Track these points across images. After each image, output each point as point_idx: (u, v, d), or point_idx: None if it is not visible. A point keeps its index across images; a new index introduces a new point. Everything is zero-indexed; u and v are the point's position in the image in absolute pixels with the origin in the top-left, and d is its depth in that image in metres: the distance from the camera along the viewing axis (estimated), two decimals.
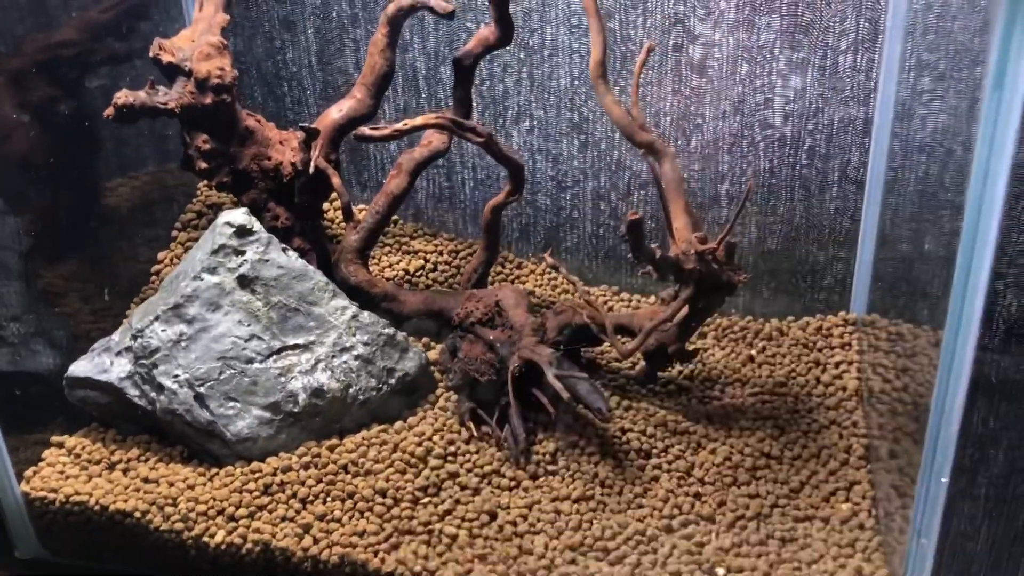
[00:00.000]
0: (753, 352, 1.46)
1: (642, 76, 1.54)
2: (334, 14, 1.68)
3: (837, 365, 1.42)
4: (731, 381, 1.40)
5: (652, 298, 1.62)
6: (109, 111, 1.31)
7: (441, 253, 1.64)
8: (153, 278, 1.57)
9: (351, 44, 1.69)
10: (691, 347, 1.33)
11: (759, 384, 1.39)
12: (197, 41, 1.34)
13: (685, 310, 1.26)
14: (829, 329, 1.49)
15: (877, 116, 1.43)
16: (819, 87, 1.49)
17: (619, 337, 1.33)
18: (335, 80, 1.73)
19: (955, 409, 0.89)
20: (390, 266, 1.60)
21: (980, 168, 0.80)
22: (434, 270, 1.62)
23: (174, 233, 1.63)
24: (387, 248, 1.65)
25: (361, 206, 1.70)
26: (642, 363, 1.38)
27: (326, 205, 1.57)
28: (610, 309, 1.58)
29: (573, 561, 1.12)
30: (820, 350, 1.46)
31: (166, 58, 1.33)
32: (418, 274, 1.61)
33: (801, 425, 1.32)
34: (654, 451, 1.27)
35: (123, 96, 1.30)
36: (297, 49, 1.73)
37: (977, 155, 0.79)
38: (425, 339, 1.46)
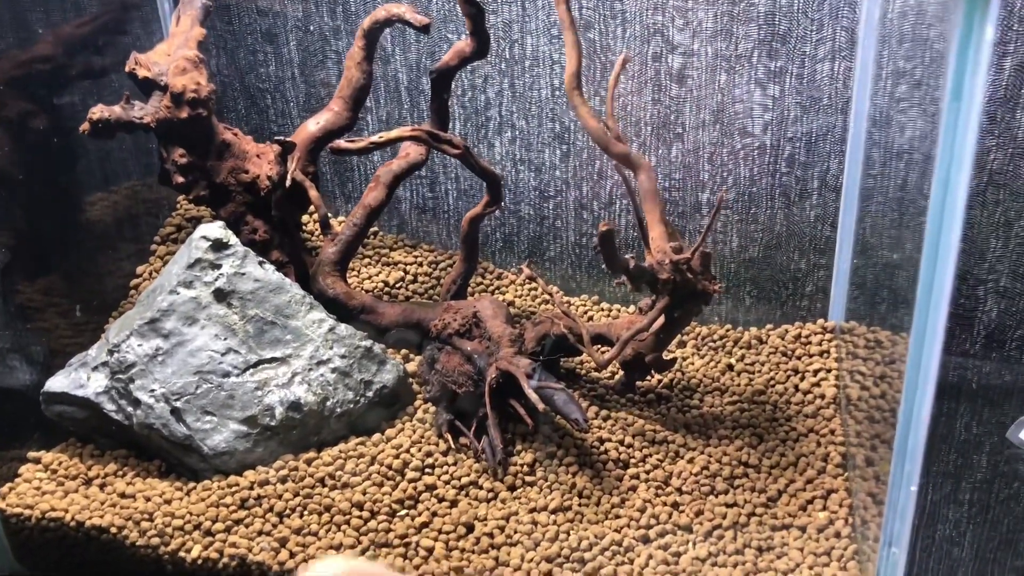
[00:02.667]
0: (732, 360, 1.46)
1: (622, 86, 1.55)
2: (316, 26, 1.68)
3: (816, 373, 1.43)
4: (710, 390, 1.41)
5: (632, 308, 1.62)
6: (85, 126, 1.31)
7: (421, 264, 1.64)
8: (132, 292, 1.56)
9: (333, 56, 1.70)
10: (669, 356, 1.33)
11: (738, 392, 1.40)
12: (173, 55, 1.35)
13: (662, 319, 1.26)
14: (808, 337, 1.50)
15: (852, 124, 1.44)
16: (797, 95, 1.50)
17: (597, 347, 1.33)
18: (318, 92, 1.73)
19: (923, 417, 0.89)
20: (369, 278, 1.60)
21: (941, 176, 0.80)
22: (414, 281, 1.62)
23: (153, 247, 1.63)
24: (367, 260, 1.65)
25: (342, 218, 1.70)
26: (621, 373, 1.38)
27: (305, 218, 1.57)
28: (590, 319, 1.58)
29: (549, 573, 1.12)
30: (799, 358, 1.46)
31: (142, 72, 1.33)
32: (398, 286, 1.61)
33: (779, 433, 1.32)
34: (632, 461, 1.27)
35: (98, 111, 1.30)
36: (280, 61, 1.73)
37: (938, 164, 0.80)
38: (404, 351, 1.46)
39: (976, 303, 1.54)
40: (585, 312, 1.60)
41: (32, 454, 1.31)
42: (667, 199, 1.60)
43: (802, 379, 1.42)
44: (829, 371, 1.42)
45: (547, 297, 1.62)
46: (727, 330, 1.53)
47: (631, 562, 1.13)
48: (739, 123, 1.54)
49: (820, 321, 1.53)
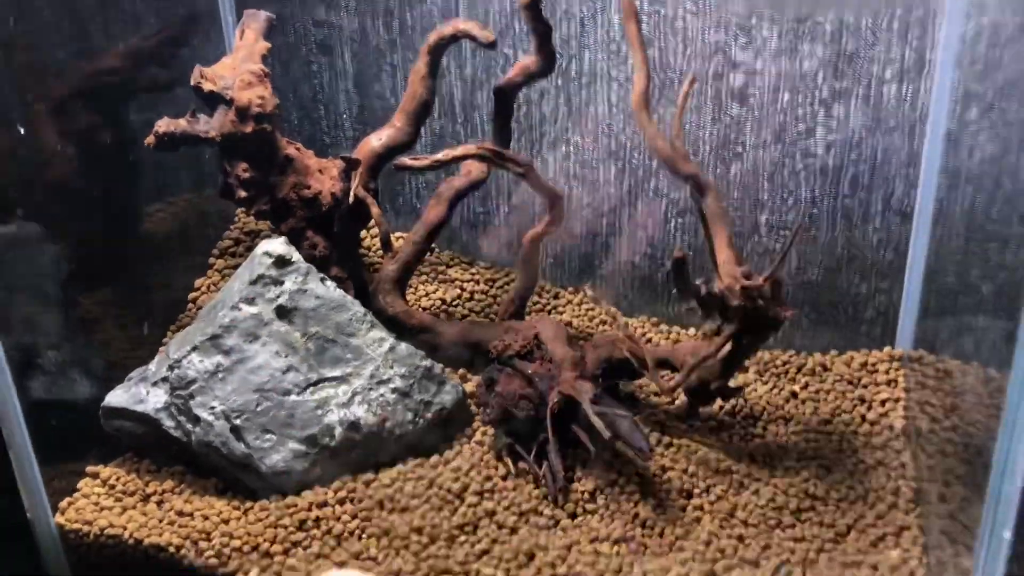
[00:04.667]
0: (796, 388, 1.43)
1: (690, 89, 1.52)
2: (371, 39, 1.67)
3: (883, 403, 1.39)
4: (774, 418, 1.37)
5: (692, 329, 1.59)
6: (150, 139, 1.31)
7: (478, 282, 1.63)
8: (190, 306, 1.56)
9: (388, 69, 1.69)
10: (735, 383, 1.30)
11: (802, 421, 1.36)
12: (238, 69, 1.34)
13: (729, 346, 1.23)
14: (874, 365, 1.46)
15: (927, 147, 1.41)
16: (863, 116, 1.46)
17: (660, 372, 1.30)
18: (372, 104, 1.73)
19: (1019, 461, 0.85)
20: (427, 295, 1.59)
21: None
22: (471, 299, 1.60)
23: (211, 260, 1.62)
24: (424, 277, 1.63)
25: (398, 233, 1.69)
26: (682, 398, 1.35)
27: (363, 233, 1.56)
28: (648, 341, 1.56)
29: None
30: (865, 386, 1.43)
31: (207, 86, 1.33)
32: (455, 303, 1.59)
33: (847, 465, 1.28)
34: (696, 491, 1.24)
35: (164, 125, 1.30)
36: (334, 73, 1.73)
37: None
38: (462, 372, 1.45)
39: None
40: (644, 334, 1.58)
41: (90, 468, 1.31)
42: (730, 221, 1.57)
43: (869, 408, 1.38)
44: (897, 401, 1.39)
45: (604, 317, 1.59)
46: (790, 356, 1.50)
47: None
48: (801, 143, 1.51)
49: (887, 349, 1.49)
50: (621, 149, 1.60)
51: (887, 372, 1.44)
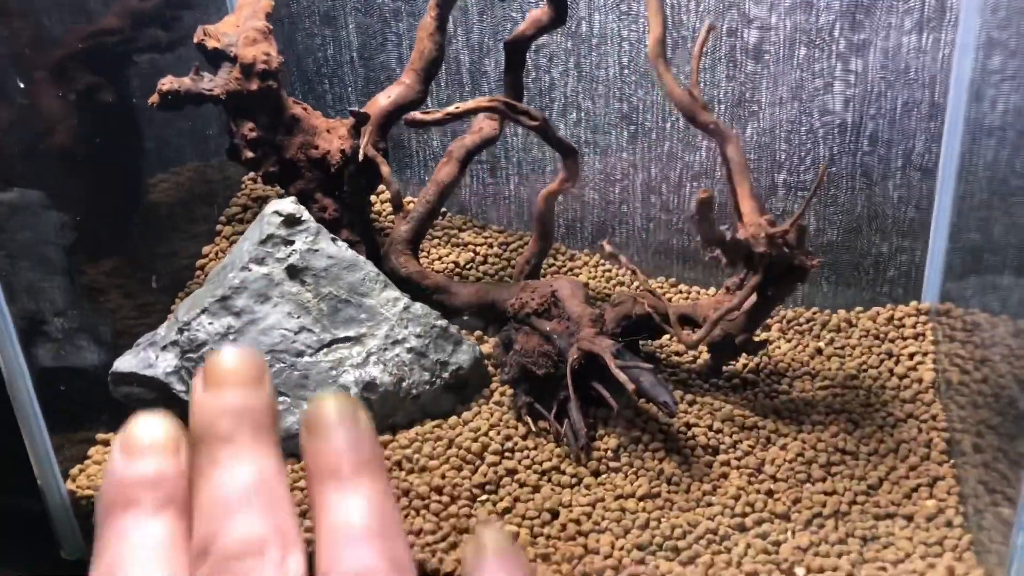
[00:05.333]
0: (821, 344, 1.39)
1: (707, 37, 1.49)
2: (376, 8, 1.64)
3: (911, 356, 1.35)
4: (799, 375, 1.34)
5: (711, 290, 1.56)
6: (154, 98, 1.28)
7: (491, 245, 1.59)
8: (198, 273, 1.53)
9: (393, 39, 1.66)
10: (760, 338, 1.27)
11: (829, 377, 1.33)
12: (242, 27, 1.31)
13: (754, 298, 1.20)
14: (901, 319, 1.42)
15: (951, 99, 1.37)
16: (881, 70, 1.43)
17: (683, 328, 1.27)
18: (377, 76, 1.69)
19: None
20: (439, 259, 1.56)
21: None
22: (484, 263, 1.57)
23: (218, 227, 1.59)
24: (436, 241, 1.60)
25: (408, 198, 1.66)
26: (705, 356, 1.32)
27: (373, 199, 1.53)
28: (669, 300, 1.53)
29: (642, 561, 1.06)
30: (892, 341, 1.39)
31: (211, 44, 1.30)
32: (468, 267, 1.56)
33: (876, 419, 1.25)
34: (722, 447, 1.21)
35: (168, 82, 1.27)
36: (338, 45, 1.70)
37: None
38: (478, 332, 1.41)
39: None
40: (664, 293, 1.54)
41: (100, 436, 1.28)
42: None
43: (897, 363, 1.35)
44: (925, 354, 1.35)
45: (622, 279, 1.56)
46: (814, 313, 1.46)
47: (728, 551, 1.07)
48: (819, 100, 1.47)
49: (913, 303, 1.45)
50: (634, 112, 1.57)
51: (914, 326, 1.41)
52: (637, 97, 1.56)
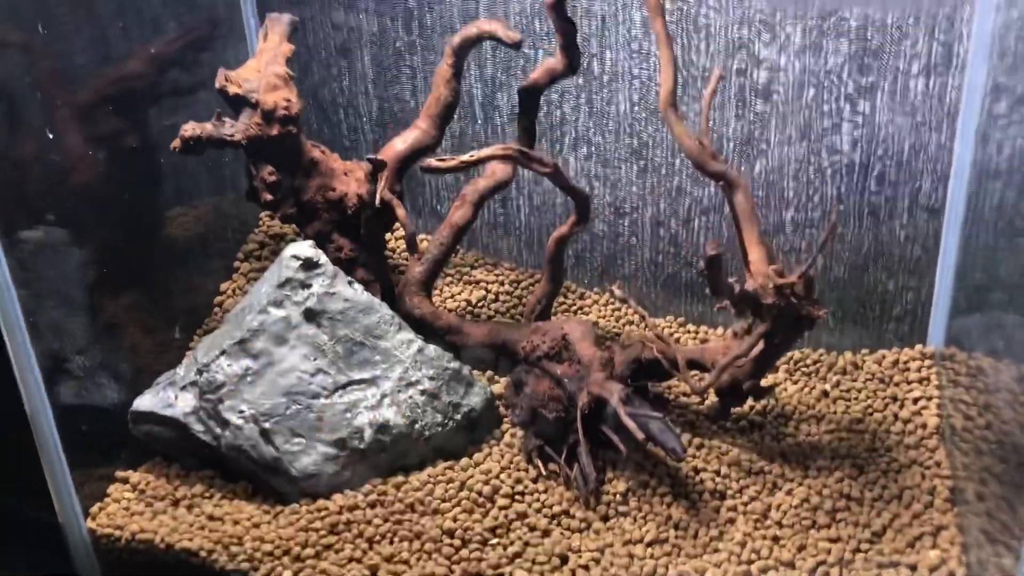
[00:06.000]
0: (827, 387, 1.42)
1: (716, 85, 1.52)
2: (390, 41, 1.67)
3: (915, 401, 1.37)
4: (805, 417, 1.36)
5: (719, 329, 1.58)
6: (176, 143, 1.31)
7: (503, 283, 1.62)
8: (216, 309, 1.56)
9: (407, 71, 1.69)
10: (767, 383, 1.29)
11: (834, 420, 1.35)
12: (263, 72, 1.34)
13: (761, 345, 1.22)
14: (906, 363, 1.45)
15: (958, 142, 1.39)
16: (889, 112, 1.45)
17: (691, 373, 1.29)
18: (391, 107, 1.73)
19: None
20: (452, 297, 1.59)
21: None
22: (495, 300, 1.60)
23: (236, 264, 1.63)
24: (449, 279, 1.63)
25: (422, 235, 1.69)
26: (713, 399, 1.34)
27: (388, 236, 1.56)
28: (677, 341, 1.55)
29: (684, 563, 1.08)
30: (897, 384, 1.41)
31: (232, 89, 1.33)
32: (480, 305, 1.59)
33: (880, 464, 1.27)
34: (729, 492, 1.23)
35: (190, 128, 1.30)
36: (354, 76, 1.73)
37: None
38: (489, 373, 1.44)
39: None
40: (671, 334, 1.57)
41: (120, 473, 1.32)
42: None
43: (901, 407, 1.37)
44: (930, 399, 1.37)
45: (631, 317, 1.58)
46: (820, 355, 1.49)
47: None
48: (827, 140, 1.50)
49: (919, 347, 1.47)
50: (643, 148, 1.60)
51: (919, 370, 1.43)
52: (647, 133, 1.58)
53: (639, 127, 1.59)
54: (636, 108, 1.58)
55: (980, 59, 1.33)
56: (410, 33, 1.66)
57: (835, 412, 1.37)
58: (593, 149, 1.63)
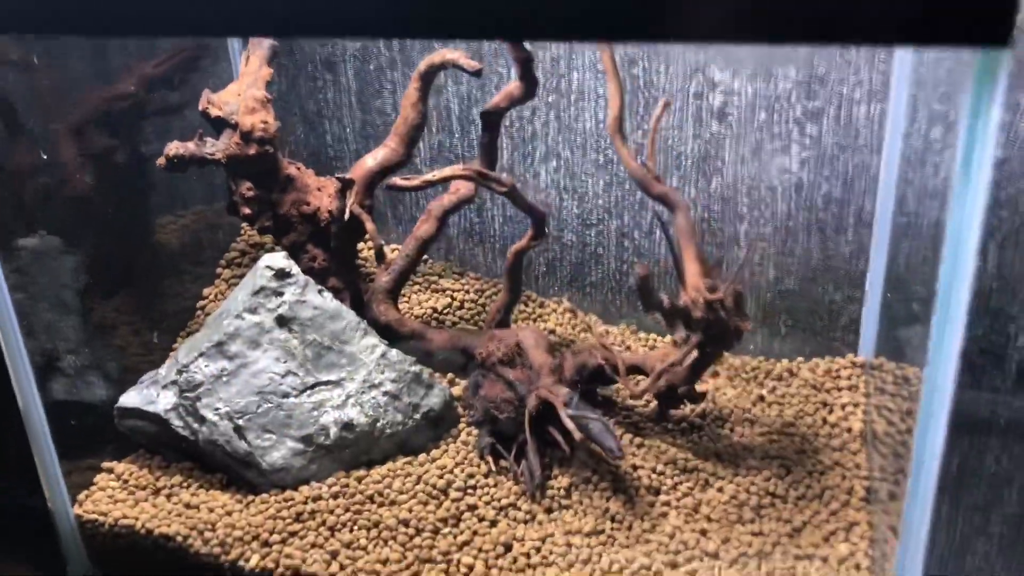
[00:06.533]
0: (764, 392, 1.52)
1: (665, 120, 1.61)
2: (373, 56, 1.77)
3: (844, 407, 1.48)
4: (741, 420, 1.47)
5: (668, 338, 1.68)
6: (161, 161, 1.42)
7: (468, 292, 1.72)
8: (199, 313, 1.67)
9: (389, 85, 1.79)
10: (702, 388, 1.39)
11: (767, 424, 1.45)
12: (243, 95, 1.44)
13: (694, 354, 1.32)
14: (838, 371, 1.55)
15: (884, 165, 1.49)
16: (834, 135, 1.55)
17: (632, 377, 1.40)
18: (373, 119, 1.82)
19: (935, 455, 0.94)
20: (419, 304, 1.69)
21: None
22: (460, 307, 1.70)
23: (219, 270, 1.73)
24: (416, 287, 1.73)
25: (393, 245, 1.79)
26: (654, 403, 1.45)
27: (360, 246, 1.66)
28: (628, 348, 1.65)
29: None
30: (828, 391, 1.51)
31: (214, 112, 1.43)
32: (446, 311, 1.69)
33: (807, 465, 1.37)
34: (663, 488, 1.34)
35: (174, 148, 1.40)
36: (338, 89, 1.83)
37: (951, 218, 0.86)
38: (451, 376, 1.54)
39: (1007, 339, 1.58)
40: (623, 341, 1.67)
41: (106, 464, 1.42)
42: (706, 230, 1.66)
43: (830, 412, 1.47)
44: (857, 405, 1.47)
45: (586, 326, 1.69)
46: (759, 362, 1.59)
47: None
48: (777, 160, 1.59)
49: (850, 356, 1.58)
50: (608, 163, 1.69)
51: (849, 378, 1.53)
52: (612, 149, 1.67)
53: (604, 143, 1.68)
54: (601, 125, 1.68)
55: (903, 88, 1.43)
56: (391, 50, 1.75)
57: (769, 416, 1.47)
58: (562, 163, 1.73)
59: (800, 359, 1.60)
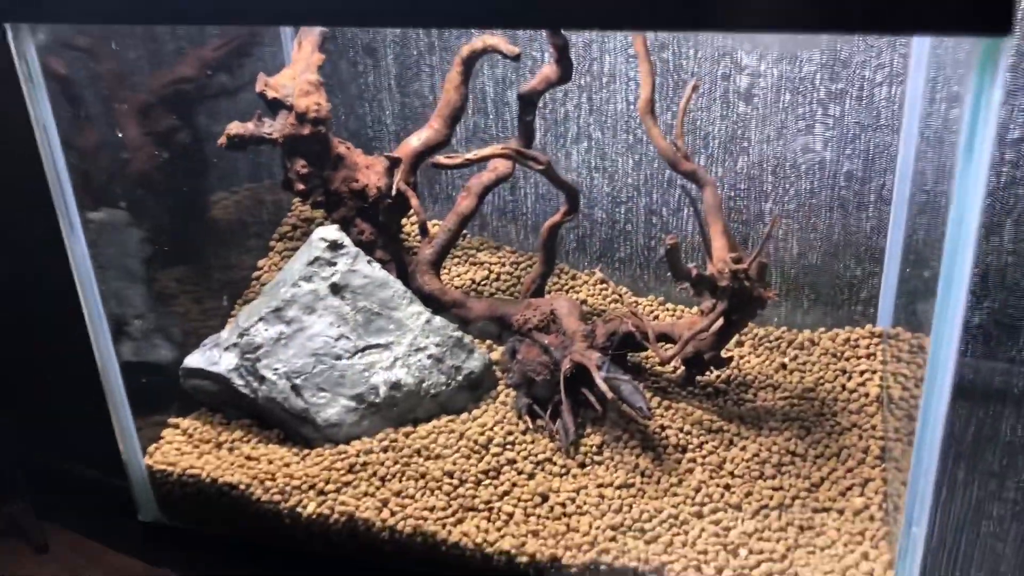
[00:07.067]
0: (785, 360, 1.60)
1: (694, 102, 1.69)
2: (412, 42, 1.85)
3: (861, 374, 1.56)
4: (764, 385, 1.55)
5: (694, 309, 1.77)
6: (222, 140, 1.52)
7: (504, 264, 1.82)
8: (254, 282, 1.77)
9: (427, 69, 1.87)
10: (727, 355, 1.48)
11: (789, 389, 1.54)
12: (297, 79, 1.54)
13: (720, 322, 1.41)
14: (857, 340, 1.63)
15: (903, 145, 1.56)
16: (856, 115, 1.62)
17: (661, 344, 1.49)
18: (412, 102, 1.91)
19: (940, 411, 1.03)
20: (459, 276, 1.79)
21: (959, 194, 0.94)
22: (497, 279, 1.80)
23: (272, 243, 1.84)
24: (456, 260, 1.83)
25: (434, 221, 1.89)
26: (682, 368, 1.54)
27: (404, 221, 1.76)
28: (656, 318, 1.74)
29: (614, 539, 1.29)
30: (847, 359, 1.60)
31: (271, 94, 1.53)
32: (483, 283, 1.79)
33: (825, 427, 1.46)
34: (690, 446, 1.43)
35: (235, 128, 1.51)
36: (378, 73, 1.92)
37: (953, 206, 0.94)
38: (488, 342, 1.64)
39: (1023, 312, 1.65)
40: (651, 312, 1.76)
41: (172, 420, 1.52)
42: (733, 207, 1.74)
43: (849, 379, 1.56)
44: (874, 372, 1.55)
45: (617, 297, 1.78)
46: (782, 332, 1.67)
47: (686, 533, 1.29)
48: (801, 139, 1.66)
49: (869, 326, 1.66)
50: (638, 143, 1.77)
51: (867, 347, 1.61)
52: (641, 130, 1.75)
53: (634, 124, 1.76)
54: (631, 107, 1.75)
55: (921, 68, 1.49)
56: (430, 36, 1.83)
57: (790, 382, 1.56)
58: (593, 143, 1.80)
59: (822, 329, 1.68)
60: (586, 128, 1.80)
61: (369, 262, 1.50)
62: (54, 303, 1.43)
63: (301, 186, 1.56)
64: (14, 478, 1.55)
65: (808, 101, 1.64)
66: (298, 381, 1.44)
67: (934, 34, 1.22)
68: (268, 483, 1.39)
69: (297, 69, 1.56)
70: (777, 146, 1.69)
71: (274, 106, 1.55)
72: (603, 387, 1.35)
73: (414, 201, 1.55)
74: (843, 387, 1.54)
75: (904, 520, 1.12)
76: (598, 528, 1.30)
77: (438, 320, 1.52)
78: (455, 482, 1.37)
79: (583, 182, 1.82)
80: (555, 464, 1.41)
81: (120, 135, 1.53)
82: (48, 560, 1.45)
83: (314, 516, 1.36)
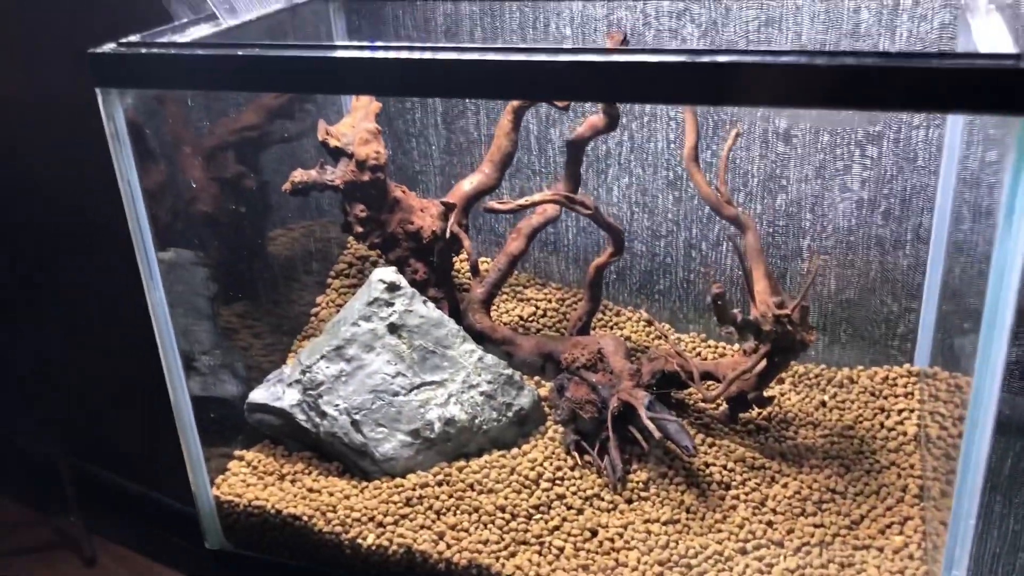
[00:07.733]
0: (825, 397, 1.65)
1: (734, 143, 1.74)
2: None
3: (900, 412, 1.60)
4: (804, 423, 1.60)
5: (736, 346, 1.82)
6: (287, 186, 1.60)
7: (550, 301, 1.88)
8: (312, 318, 1.85)
9: (472, 107, 1.94)
10: (768, 394, 1.53)
11: (829, 427, 1.59)
12: (357, 127, 1.62)
13: (763, 363, 1.46)
14: (895, 379, 1.67)
15: (940, 185, 1.60)
16: (893, 157, 1.66)
17: (705, 383, 1.54)
18: (457, 138, 1.97)
19: (982, 452, 1.07)
20: (507, 312, 1.85)
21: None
22: (543, 316, 1.86)
23: (329, 280, 1.91)
24: (504, 296, 1.90)
25: (483, 259, 1.96)
26: (724, 406, 1.59)
27: (456, 260, 1.83)
28: (699, 355, 1.79)
29: (661, 574, 1.34)
30: (885, 397, 1.64)
31: (332, 142, 1.61)
32: (530, 319, 1.85)
33: (864, 465, 1.50)
34: (733, 483, 1.48)
35: (299, 175, 1.59)
36: (425, 110, 1.99)
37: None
38: (536, 378, 1.71)
39: None
40: (694, 349, 1.81)
41: (238, 452, 1.60)
42: (771, 243, 1.79)
43: (887, 417, 1.60)
44: (912, 411, 1.60)
45: (659, 334, 1.83)
46: (822, 369, 1.72)
47: (730, 570, 1.34)
48: (839, 179, 1.71)
49: (906, 365, 1.70)
50: (678, 180, 1.83)
51: (905, 386, 1.65)
52: (681, 167, 1.81)
53: (674, 162, 1.82)
54: (672, 145, 1.81)
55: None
56: None
57: (830, 420, 1.60)
58: (634, 179, 1.86)
59: (860, 367, 1.73)
60: (627, 164, 1.85)
61: (424, 302, 1.57)
62: (131, 338, 1.50)
63: (360, 228, 1.64)
64: (65, 495, 1.63)
65: (846, 143, 1.69)
66: (357, 417, 1.51)
67: (974, 113, 1.27)
68: (329, 515, 1.46)
69: (356, 117, 1.64)
70: (815, 185, 1.74)
71: (335, 154, 1.63)
72: (651, 427, 1.41)
73: (467, 243, 1.62)
74: (881, 425, 1.59)
75: (944, 562, 1.16)
76: (646, 563, 1.36)
77: (489, 358, 1.58)
78: (507, 516, 1.44)
79: (624, 216, 1.88)
80: (603, 499, 1.46)
81: (187, 178, 1.61)
82: (97, 573, 1.53)
83: (374, 547, 1.42)
